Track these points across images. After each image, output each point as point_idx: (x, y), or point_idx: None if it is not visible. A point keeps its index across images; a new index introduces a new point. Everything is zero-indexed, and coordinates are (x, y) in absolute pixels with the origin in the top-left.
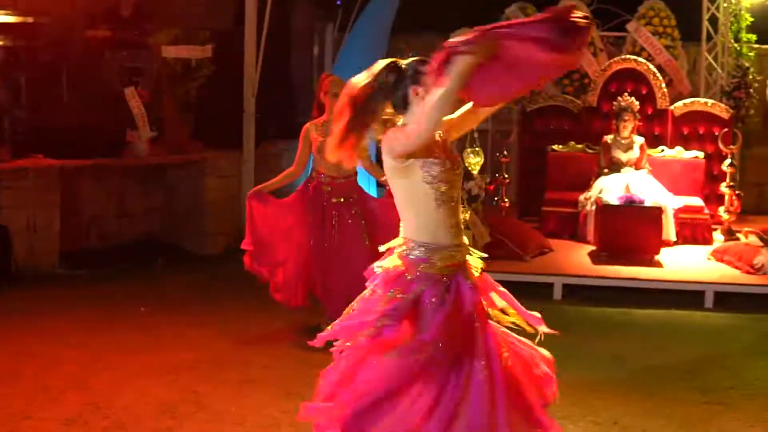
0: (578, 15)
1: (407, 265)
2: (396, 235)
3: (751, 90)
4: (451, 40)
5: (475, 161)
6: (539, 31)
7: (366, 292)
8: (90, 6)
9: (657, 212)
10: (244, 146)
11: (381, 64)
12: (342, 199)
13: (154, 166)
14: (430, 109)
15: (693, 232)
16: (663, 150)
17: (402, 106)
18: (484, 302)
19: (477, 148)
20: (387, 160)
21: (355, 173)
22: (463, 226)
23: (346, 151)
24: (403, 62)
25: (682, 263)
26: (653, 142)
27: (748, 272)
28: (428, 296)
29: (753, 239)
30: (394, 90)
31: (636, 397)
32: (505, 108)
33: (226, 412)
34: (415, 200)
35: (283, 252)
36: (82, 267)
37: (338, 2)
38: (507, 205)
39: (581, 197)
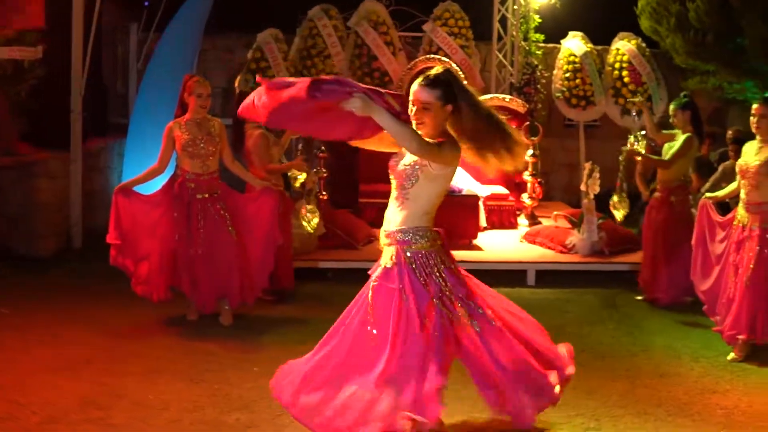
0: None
1: None
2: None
3: (539, 86)
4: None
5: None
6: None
7: None
8: None
9: (474, 200)
10: (72, 146)
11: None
12: (207, 195)
13: None
14: None
15: (500, 217)
16: None
17: None
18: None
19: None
20: None
21: (218, 170)
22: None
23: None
24: None
25: (499, 246)
26: None
27: (561, 251)
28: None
29: (562, 222)
30: None
31: None
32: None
33: (146, 400)
34: None
35: (147, 246)
36: None
37: (146, 3)
38: (325, 197)
39: None
